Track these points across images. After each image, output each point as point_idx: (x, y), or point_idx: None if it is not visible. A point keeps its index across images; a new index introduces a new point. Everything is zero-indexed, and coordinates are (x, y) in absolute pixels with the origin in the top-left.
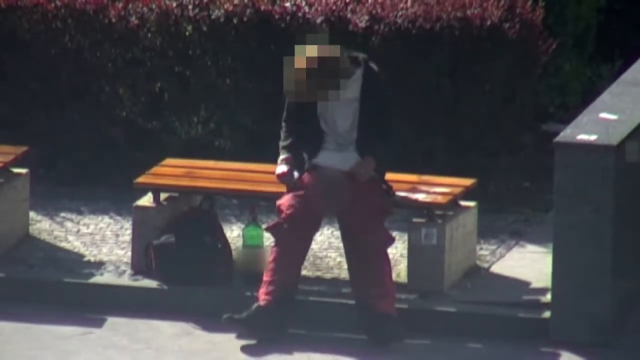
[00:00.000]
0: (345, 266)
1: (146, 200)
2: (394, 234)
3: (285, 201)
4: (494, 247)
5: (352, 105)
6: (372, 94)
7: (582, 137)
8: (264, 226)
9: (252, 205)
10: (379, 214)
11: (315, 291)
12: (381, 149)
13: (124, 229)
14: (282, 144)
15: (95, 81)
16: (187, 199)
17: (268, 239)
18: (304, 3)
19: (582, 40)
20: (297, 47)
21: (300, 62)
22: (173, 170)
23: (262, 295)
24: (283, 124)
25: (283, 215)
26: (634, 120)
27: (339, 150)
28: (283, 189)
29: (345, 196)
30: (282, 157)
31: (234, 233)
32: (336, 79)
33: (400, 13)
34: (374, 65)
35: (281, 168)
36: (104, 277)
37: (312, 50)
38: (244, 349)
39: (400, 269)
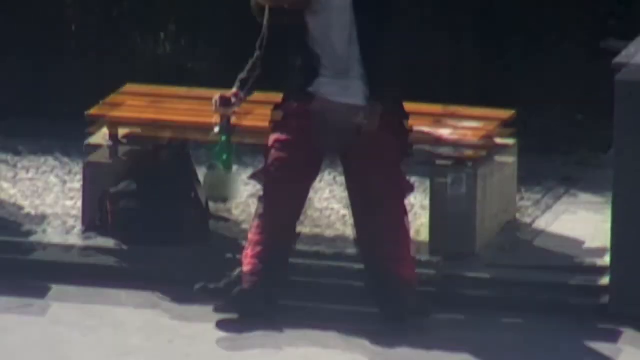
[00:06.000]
0: (351, 221)
1: (101, 137)
2: (413, 180)
3: (273, 141)
4: (538, 196)
5: (345, 13)
6: None
7: None
8: (246, 173)
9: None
10: (394, 155)
11: (313, 252)
12: (390, 75)
13: (73, 173)
14: (241, 75)
15: None
16: (152, 136)
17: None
18: None
19: None
20: None
21: None
22: (135, 99)
23: (247, 259)
24: (256, 52)
25: (271, 158)
26: None
27: (338, 78)
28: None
29: (349, 134)
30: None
31: None
32: None
33: None
34: None
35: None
36: (48, 235)
37: None
38: (223, 325)
39: (420, 225)
